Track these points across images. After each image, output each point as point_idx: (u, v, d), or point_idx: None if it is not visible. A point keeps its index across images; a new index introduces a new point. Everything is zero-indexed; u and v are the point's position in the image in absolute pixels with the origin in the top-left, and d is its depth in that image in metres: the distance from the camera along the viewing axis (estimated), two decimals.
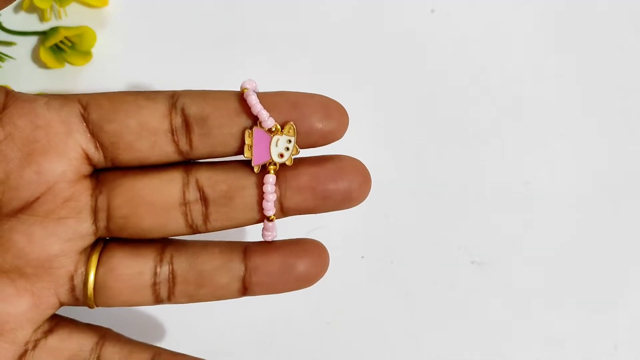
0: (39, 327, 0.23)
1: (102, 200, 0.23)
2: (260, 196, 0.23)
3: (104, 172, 0.23)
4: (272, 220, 0.23)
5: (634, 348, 0.35)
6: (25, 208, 0.22)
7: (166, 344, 0.33)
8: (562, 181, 0.36)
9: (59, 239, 0.22)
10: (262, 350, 0.34)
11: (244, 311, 0.34)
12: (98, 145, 0.22)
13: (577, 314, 0.35)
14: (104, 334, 0.24)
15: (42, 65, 0.34)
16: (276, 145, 0.22)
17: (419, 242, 0.35)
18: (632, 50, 0.37)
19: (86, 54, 0.34)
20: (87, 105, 0.22)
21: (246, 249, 0.24)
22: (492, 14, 0.37)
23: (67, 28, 0.33)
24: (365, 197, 0.24)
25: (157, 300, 0.24)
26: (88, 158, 0.23)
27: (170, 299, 0.24)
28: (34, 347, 0.23)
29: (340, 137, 0.23)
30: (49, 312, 0.23)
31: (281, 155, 0.23)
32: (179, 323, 0.34)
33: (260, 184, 0.23)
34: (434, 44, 0.36)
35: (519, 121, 0.36)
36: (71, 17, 0.35)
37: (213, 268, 0.23)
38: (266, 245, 0.24)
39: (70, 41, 0.34)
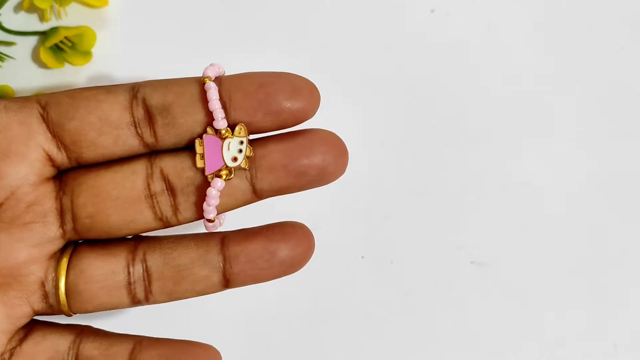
0: (13, 336, 0.22)
1: (66, 201, 0.22)
2: (203, 198, 0.22)
3: (67, 172, 0.23)
4: (212, 222, 0.22)
5: (634, 348, 0.35)
6: None
7: None
8: (561, 181, 0.36)
9: (25, 244, 0.22)
10: (261, 350, 0.34)
11: (242, 311, 0.34)
12: (60, 145, 0.22)
13: (576, 314, 0.35)
14: (80, 331, 0.23)
15: (42, 65, 0.34)
16: (228, 149, 0.21)
17: (418, 242, 0.35)
18: (632, 49, 0.37)
19: (86, 54, 0.34)
20: (46, 105, 0.22)
21: (224, 239, 0.23)
22: (492, 14, 0.37)
23: (67, 28, 0.33)
24: (343, 171, 0.22)
25: (135, 301, 0.23)
26: (51, 159, 0.22)
27: (148, 298, 0.23)
28: (10, 356, 0.22)
29: (312, 116, 0.22)
30: (23, 321, 0.22)
31: (235, 159, 0.22)
32: (174, 324, 0.34)
33: (207, 186, 0.22)
34: (434, 44, 0.36)
35: (519, 121, 0.36)
36: (71, 17, 0.35)
37: (190, 261, 0.22)
38: (245, 232, 0.23)
39: (70, 41, 0.34)
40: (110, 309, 0.23)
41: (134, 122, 0.22)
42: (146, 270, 0.22)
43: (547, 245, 0.35)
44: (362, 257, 0.35)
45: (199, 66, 0.35)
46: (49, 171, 0.22)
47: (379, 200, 0.35)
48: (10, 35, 0.34)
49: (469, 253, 0.35)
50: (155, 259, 0.23)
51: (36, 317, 0.24)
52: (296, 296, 0.34)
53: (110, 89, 0.22)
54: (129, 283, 0.22)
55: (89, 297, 0.22)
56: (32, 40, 0.34)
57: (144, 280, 0.22)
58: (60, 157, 0.22)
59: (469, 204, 0.35)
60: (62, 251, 0.23)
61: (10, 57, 0.34)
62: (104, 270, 0.22)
